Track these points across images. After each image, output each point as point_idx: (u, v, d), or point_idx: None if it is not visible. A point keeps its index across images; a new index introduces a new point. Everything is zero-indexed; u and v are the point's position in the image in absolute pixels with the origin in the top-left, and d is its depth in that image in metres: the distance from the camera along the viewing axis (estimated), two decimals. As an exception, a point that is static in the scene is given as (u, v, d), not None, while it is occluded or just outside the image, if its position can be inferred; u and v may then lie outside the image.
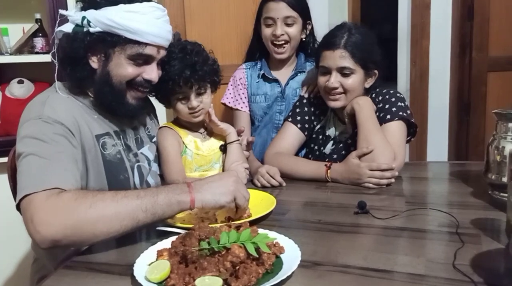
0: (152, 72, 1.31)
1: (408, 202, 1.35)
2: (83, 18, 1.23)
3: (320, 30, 2.04)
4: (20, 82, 2.28)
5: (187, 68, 1.41)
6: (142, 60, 1.29)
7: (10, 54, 2.28)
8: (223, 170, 1.60)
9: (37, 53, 2.27)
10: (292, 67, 1.93)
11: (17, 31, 2.30)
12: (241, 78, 1.96)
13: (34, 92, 2.30)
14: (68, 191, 1.05)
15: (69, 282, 0.96)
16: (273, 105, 1.94)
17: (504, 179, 1.27)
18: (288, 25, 1.81)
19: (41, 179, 1.06)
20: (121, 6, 1.23)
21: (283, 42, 1.83)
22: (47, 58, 2.23)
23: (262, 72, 1.93)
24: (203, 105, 1.50)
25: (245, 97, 1.96)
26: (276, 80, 1.92)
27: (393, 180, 1.47)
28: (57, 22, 1.30)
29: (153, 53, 1.29)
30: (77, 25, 1.25)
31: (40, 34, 2.27)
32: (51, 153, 1.12)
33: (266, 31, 1.83)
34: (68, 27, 1.26)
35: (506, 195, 1.12)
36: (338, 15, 3.11)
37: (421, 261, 0.95)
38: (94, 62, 1.28)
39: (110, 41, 1.24)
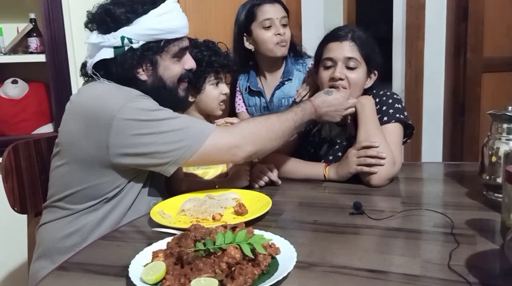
0: (190, 61, 1.41)
1: (403, 202, 1.35)
2: (122, 38, 1.24)
3: (316, 31, 2.05)
4: (14, 82, 2.27)
5: (219, 55, 1.60)
6: (182, 53, 1.36)
7: (4, 54, 2.27)
8: (228, 167, 1.63)
9: (31, 53, 2.26)
10: (279, 74, 1.94)
11: (11, 31, 2.30)
12: (237, 86, 2.01)
13: (28, 92, 2.29)
14: (238, 122, 1.42)
15: (64, 284, 0.95)
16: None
17: (499, 180, 1.28)
18: (284, 25, 1.83)
19: (202, 124, 1.30)
20: (152, 12, 1.26)
21: (285, 41, 1.85)
22: (41, 58, 2.23)
23: (248, 84, 1.95)
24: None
25: (242, 102, 1.99)
26: (260, 92, 1.94)
27: (382, 161, 1.45)
28: (88, 55, 1.32)
29: (187, 44, 1.38)
30: (115, 47, 1.25)
31: (35, 34, 2.26)
32: (177, 116, 1.27)
33: (267, 34, 1.83)
34: (107, 53, 1.27)
35: (500, 195, 1.13)
36: (334, 15, 3.11)
37: (417, 262, 0.95)
38: (142, 74, 1.32)
39: (156, 48, 1.29)
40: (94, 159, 1.25)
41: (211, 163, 1.55)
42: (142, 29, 1.25)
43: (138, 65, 1.30)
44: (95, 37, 1.28)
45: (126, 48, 1.26)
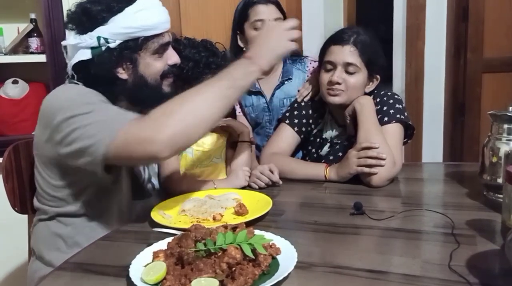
0: (173, 56, 1.34)
1: (403, 203, 1.35)
2: (98, 38, 1.21)
3: (316, 31, 2.04)
4: (15, 82, 2.27)
5: (217, 56, 1.56)
6: (163, 49, 1.31)
7: (5, 54, 2.27)
8: (226, 166, 1.62)
9: (31, 53, 2.26)
10: (278, 74, 1.93)
11: (12, 31, 2.30)
12: None
13: (28, 92, 2.29)
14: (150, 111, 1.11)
15: (64, 284, 0.95)
16: (262, 115, 1.95)
17: (499, 180, 1.28)
18: None
19: (120, 116, 1.13)
20: (127, 10, 1.22)
21: None
22: (42, 58, 2.23)
23: None
24: None
25: (237, 104, 1.99)
26: (259, 92, 1.93)
27: (382, 162, 1.45)
28: (65, 54, 1.31)
29: (169, 39, 1.32)
30: (92, 48, 1.23)
31: (35, 34, 2.26)
32: (107, 108, 1.17)
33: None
34: (84, 54, 1.24)
35: (501, 196, 1.13)
36: (334, 15, 3.12)
37: (417, 262, 0.95)
38: (122, 73, 1.28)
39: (134, 46, 1.25)
40: (53, 160, 1.23)
41: (132, 162, 1.27)
42: (117, 28, 1.21)
43: (117, 64, 1.26)
44: (73, 38, 1.25)
45: (103, 48, 1.22)
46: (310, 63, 1.92)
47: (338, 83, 1.57)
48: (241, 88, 1.18)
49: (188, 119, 1.09)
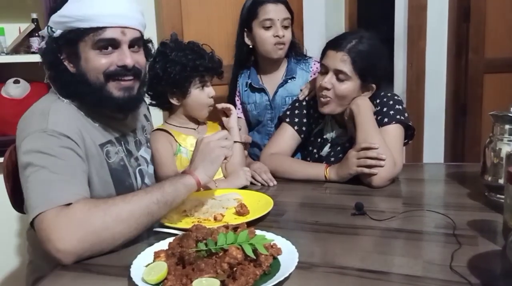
0: (124, 57, 1.22)
1: (405, 203, 1.35)
2: (47, 27, 1.21)
3: (317, 31, 2.03)
4: (16, 82, 2.27)
5: (204, 58, 1.52)
6: (108, 46, 1.20)
7: (6, 54, 2.27)
8: (222, 169, 1.62)
9: (33, 53, 2.26)
10: (282, 72, 1.93)
11: (13, 31, 2.30)
12: (238, 87, 1.99)
13: (30, 92, 2.29)
14: (77, 203, 1.04)
15: (66, 283, 0.95)
16: (264, 113, 1.95)
17: (501, 181, 1.27)
18: (285, 27, 1.83)
19: (50, 195, 1.04)
20: None
21: (283, 43, 1.83)
22: (43, 58, 2.23)
23: (249, 81, 1.94)
24: None
25: (240, 103, 1.99)
26: (263, 89, 1.93)
27: (382, 162, 1.45)
28: (40, 44, 1.29)
29: (116, 36, 1.20)
30: (48, 38, 1.23)
31: (37, 34, 2.26)
32: (59, 167, 1.09)
33: (266, 34, 1.82)
34: (43, 43, 1.25)
35: (502, 196, 1.12)
36: (335, 15, 3.12)
37: (418, 263, 0.95)
38: (71, 67, 1.23)
39: (71, 38, 1.19)
40: None
41: None
42: (57, 17, 1.18)
43: (62, 56, 1.22)
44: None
45: (50, 38, 1.21)
46: (314, 63, 1.92)
47: (327, 89, 1.56)
48: (170, 204, 1.14)
49: (101, 235, 1.02)
